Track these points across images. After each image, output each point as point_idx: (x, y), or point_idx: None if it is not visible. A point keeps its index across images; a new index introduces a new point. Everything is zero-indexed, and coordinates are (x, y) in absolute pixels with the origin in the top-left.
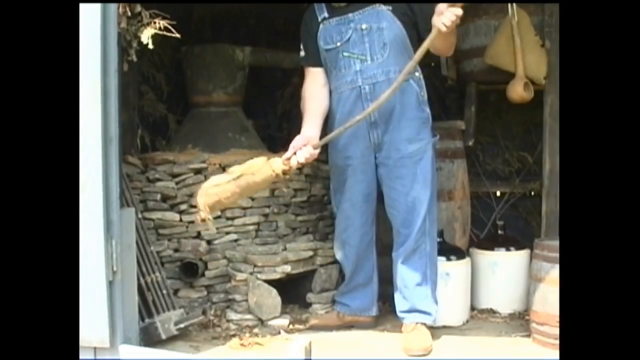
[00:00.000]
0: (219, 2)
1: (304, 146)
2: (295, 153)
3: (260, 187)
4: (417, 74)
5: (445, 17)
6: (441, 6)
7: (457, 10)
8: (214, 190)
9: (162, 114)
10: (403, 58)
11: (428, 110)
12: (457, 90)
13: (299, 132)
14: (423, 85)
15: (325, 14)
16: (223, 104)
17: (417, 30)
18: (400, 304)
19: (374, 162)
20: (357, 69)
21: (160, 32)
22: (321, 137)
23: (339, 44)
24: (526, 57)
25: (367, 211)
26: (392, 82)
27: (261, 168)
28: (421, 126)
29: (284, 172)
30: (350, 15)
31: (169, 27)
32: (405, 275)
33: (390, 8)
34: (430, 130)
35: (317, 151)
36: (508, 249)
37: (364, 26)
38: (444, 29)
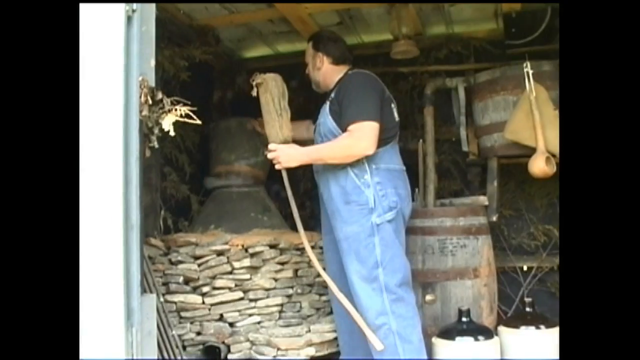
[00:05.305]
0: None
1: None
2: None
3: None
4: (360, 164)
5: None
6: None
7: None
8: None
9: (185, 195)
10: None
11: (370, 194)
12: (479, 165)
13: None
14: (366, 169)
15: None
16: (243, 176)
17: None
18: None
19: None
20: None
21: (182, 119)
22: None
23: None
24: (546, 131)
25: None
26: (326, 172)
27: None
28: (361, 211)
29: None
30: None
31: (190, 113)
32: (375, 356)
33: (329, 103)
34: (375, 212)
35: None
36: (538, 327)
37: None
38: (276, 166)
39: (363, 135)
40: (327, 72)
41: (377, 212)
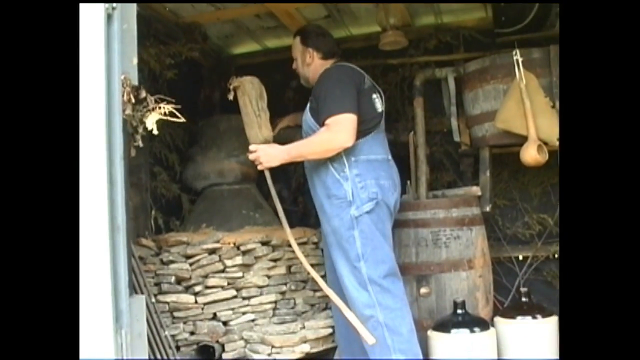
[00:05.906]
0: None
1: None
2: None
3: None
4: (339, 158)
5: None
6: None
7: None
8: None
9: (176, 194)
10: None
11: (348, 187)
12: (471, 155)
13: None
14: (344, 162)
15: None
16: (233, 173)
17: None
18: None
19: None
20: None
21: (165, 117)
22: None
23: None
24: (537, 119)
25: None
26: (310, 168)
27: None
28: (340, 205)
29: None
30: None
31: (174, 111)
32: (367, 347)
33: (309, 101)
34: (353, 205)
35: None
36: (534, 317)
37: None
38: (258, 167)
39: (341, 129)
40: (316, 67)
41: (355, 204)
